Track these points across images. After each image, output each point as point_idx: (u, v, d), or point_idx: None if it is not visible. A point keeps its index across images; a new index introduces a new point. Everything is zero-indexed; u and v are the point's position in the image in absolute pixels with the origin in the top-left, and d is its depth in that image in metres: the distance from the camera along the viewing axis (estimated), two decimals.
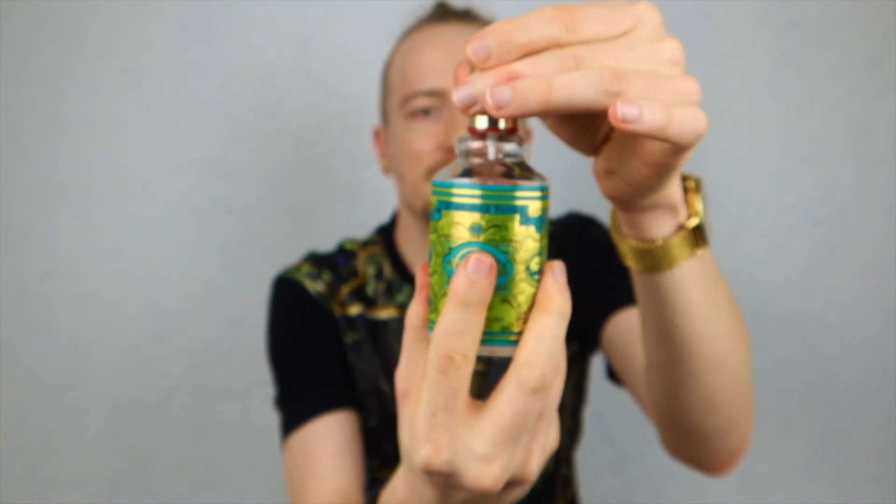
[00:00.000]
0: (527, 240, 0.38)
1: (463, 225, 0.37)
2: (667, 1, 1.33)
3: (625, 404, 1.24)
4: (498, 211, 0.37)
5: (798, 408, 1.25)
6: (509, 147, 0.39)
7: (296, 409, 0.83)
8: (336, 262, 0.93)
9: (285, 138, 1.18)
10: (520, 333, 0.38)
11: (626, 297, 0.80)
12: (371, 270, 0.92)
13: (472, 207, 0.37)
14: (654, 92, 0.36)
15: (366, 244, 0.95)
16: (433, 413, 0.37)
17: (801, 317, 1.24)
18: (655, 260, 0.51)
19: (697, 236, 0.51)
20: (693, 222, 0.51)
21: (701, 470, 0.69)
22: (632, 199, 0.47)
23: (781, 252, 1.23)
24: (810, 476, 1.26)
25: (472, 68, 0.37)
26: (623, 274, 0.83)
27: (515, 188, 0.37)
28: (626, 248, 0.53)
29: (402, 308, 0.90)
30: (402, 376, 0.40)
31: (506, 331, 0.38)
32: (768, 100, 1.21)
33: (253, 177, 1.18)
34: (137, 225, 1.16)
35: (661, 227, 0.50)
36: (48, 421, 1.16)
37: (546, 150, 1.21)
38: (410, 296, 0.90)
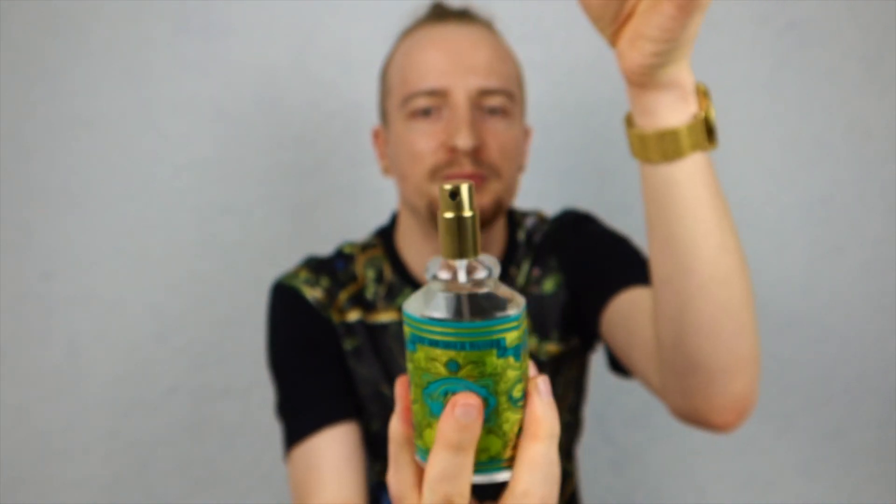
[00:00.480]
0: (506, 371, 0.37)
1: (439, 361, 0.37)
2: None
3: (625, 404, 1.24)
4: (473, 348, 0.36)
5: (798, 408, 1.25)
6: (481, 274, 0.38)
7: (297, 421, 0.84)
8: (334, 267, 0.93)
9: (285, 138, 1.18)
10: (510, 459, 0.38)
11: (625, 279, 0.80)
12: (371, 274, 0.92)
13: (447, 345, 0.36)
14: None
15: (365, 247, 0.95)
16: None
17: (802, 316, 1.24)
18: (668, 147, 0.55)
19: (708, 132, 0.55)
20: (702, 115, 0.55)
21: (709, 423, 0.66)
22: (653, 70, 0.52)
23: (781, 252, 1.23)
24: (810, 476, 1.26)
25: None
26: (620, 259, 0.83)
27: (490, 323, 0.36)
28: (641, 138, 0.56)
29: None
30: (392, 482, 0.40)
31: (494, 460, 0.38)
32: (768, 100, 1.21)
33: (253, 177, 1.18)
34: (137, 225, 1.16)
35: (674, 113, 0.54)
36: (48, 421, 1.16)
37: (546, 150, 1.21)
38: None
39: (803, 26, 1.20)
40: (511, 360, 0.37)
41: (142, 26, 1.14)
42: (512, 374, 0.37)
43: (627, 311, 0.78)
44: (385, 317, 0.90)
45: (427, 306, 0.37)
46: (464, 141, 0.79)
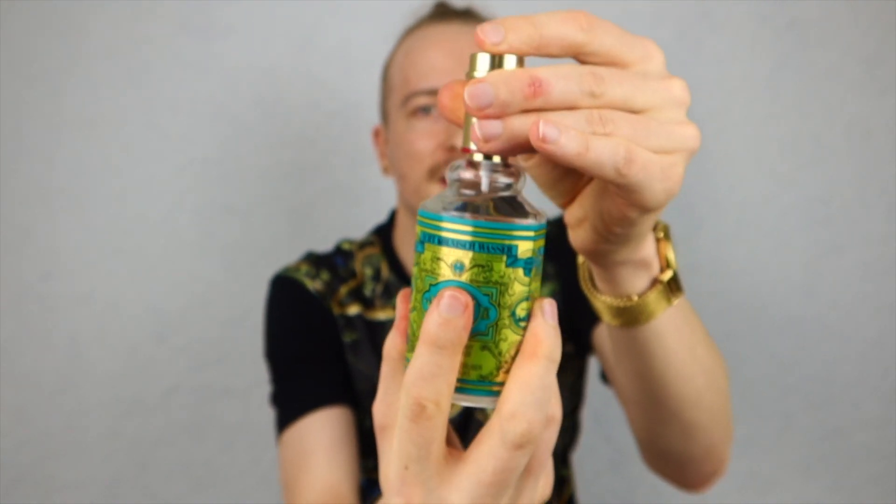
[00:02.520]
0: (513, 283, 0.35)
1: (445, 261, 0.34)
2: (667, 1, 1.33)
3: None
4: (482, 249, 0.34)
5: (798, 408, 1.25)
6: (505, 180, 0.36)
7: (291, 404, 0.83)
8: (334, 263, 0.93)
9: (285, 138, 1.18)
10: (501, 384, 0.35)
11: None
12: (368, 271, 0.92)
13: (455, 243, 0.34)
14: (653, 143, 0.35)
15: (363, 245, 0.95)
16: (405, 465, 0.34)
17: (801, 317, 1.24)
18: (633, 316, 0.50)
19: (672, 287, 0.50)
20: (667, 275, 0.50)
21: (680, 488, 0.71)
22: (603, 253, 0.46)
23: (781, 252, 1.23)
24: (810, 476, 1.26)
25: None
26: None
27: (504, 226, 0.34)
28: (601, 305, 0.51)
29: None
30: (378, 409, 0.37)
31: (484, 380, 0.35)
32: (768, 100, 1.21)
33: (253, 177, 1.18)
34: (137, 225, 1.16)
35: (635, 282, 0.49)
36: (48, 421, 1.16)
37: None
38: None
39: (803, 26, 1.20)
40: (520, 272, 0.35)
41: (142, 26, 1.14)
42: (519, 288, 0.35)
43: None
44: (383, 314, 0.90)
45: (442, 202, 0.35)
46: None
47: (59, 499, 1.17)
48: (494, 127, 0.33)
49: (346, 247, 0.95)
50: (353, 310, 0.90)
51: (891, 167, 1.22)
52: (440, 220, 0.35)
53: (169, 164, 1.16)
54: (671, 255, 0.50)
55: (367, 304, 0.91)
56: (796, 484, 1.26)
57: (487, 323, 0.35)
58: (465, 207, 0.35)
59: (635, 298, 0.49)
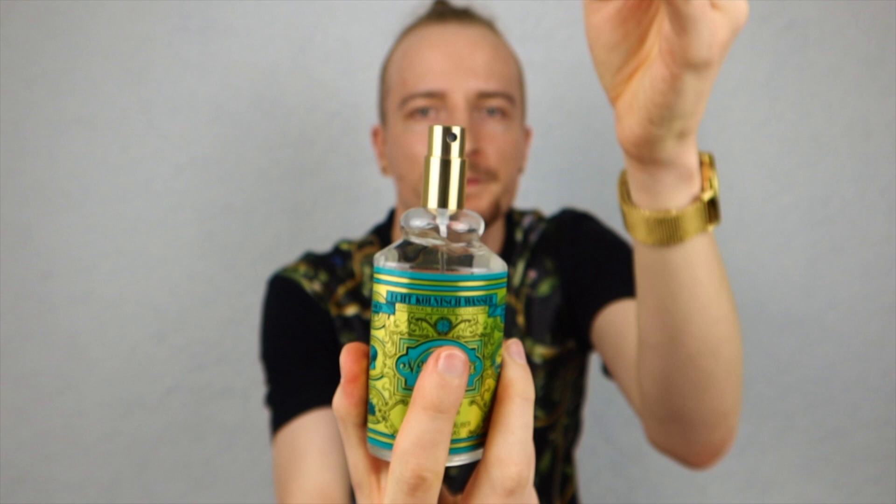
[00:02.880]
0: (494, 332, 0.34)
1: (427, 321, 0.32)
2: None
3: (625, 404, 1.24)
4: (468, 304, 0.32)
5: (798, 408, 1.25)
6: (464, 225, 0.34)
7: (284, 405, 0.83)
8: (333, 263, 0.93)
9: (285, 138, 1.18)
10: (485, 435, 0.34)
11: (617, 290, 0.80)
12: (368, 271, 0.92)
13: (439, 301, 0.32)
14: None
15: (362, 245, 0.95)
16: None
17: (801, 317, 1.24)
18: (667, 232, 0.50)
19: (711, 212, 0.50)
20: (708, 195, 0.50)
21: (685, 462, 0.68)
22: (651, 141, 0.46)
23: (781, 252, 1.23)
24: (810, 476, 1.26)
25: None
26: (615, 268, 0.83)
27: (486, 276, 0.33)
28: (638, 218, 0.51)
29: None
30: (349, 466, 0.36)
31: (473, 435, 0.34)
32: (768, 100, 1.21)
33: (253, 177, 1.18)
34: (137, 225, 1.16)
35: (675, 195, 0.49)
36: (48, 421, 1.16)
37: (546, 150, 1.21)
38: None
39: (803, 26, 1.20)
40: (498, 319, 0.34)
41: (141, 26, 1.14)
42: (497, 336, 0.34)
43: (615, 325, 0.78)
44: None
45: (415, 259, 0.33)
46: None
47: (59, 499, 1.17)
48: None
49: (344, 247, 0.95)
50: (351, 310, 0.90)
51: (891, 167, 1.22)
52: (418, 278, 0.32)
53: (169, 164, 1.16)
54: (714, 179, 0.50)
55: (366, 304, 0.91)
56: (796, 484, 1.26)
57: (474, 377, 0.33)
58: (446, 262, 0.33)
59: (673, 212, 0.49)
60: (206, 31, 1.15)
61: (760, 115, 1.21)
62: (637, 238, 0.52)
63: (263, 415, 1.20)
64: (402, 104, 0.84)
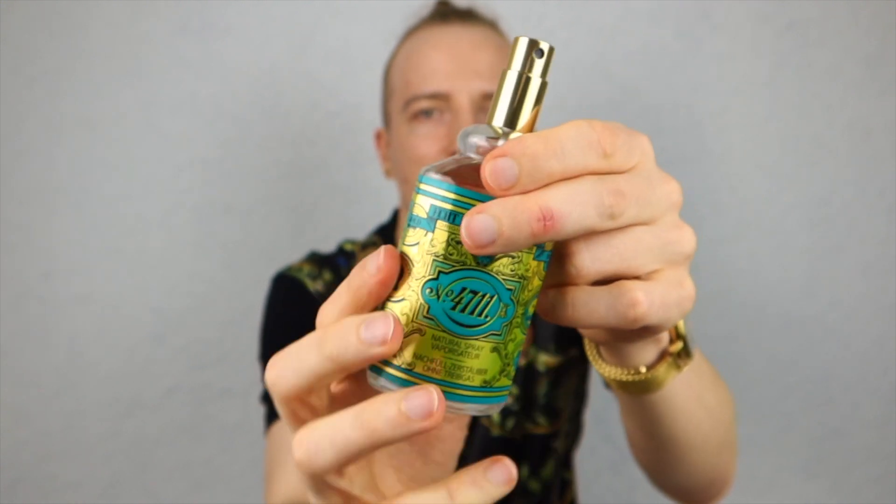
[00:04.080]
0: (534, 278, 0.31)
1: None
2: (667, 1, 1.33)
3: None
4: None
5: (798, 408, 1.25)
6: None
7: None
8: (337, 263, 0.93)
9: (285, 138, 1.18)
10: (501, 388, 0.31)
11: None
12: None
13: None
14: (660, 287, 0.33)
15: (365, 245, 0.95)
16: None
17: (802, 317, 1.24)
18: (641, 387, 0.49)
19: (682, 355, 0.48)
20: (677, 347, 0.47)
21: None
22: (612, 341, 0.44)
23: (781, 252, 1.23)
24: (810, 476, 1.26)
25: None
26: None
27: None
28: (608, 375, 0.49)
29: None
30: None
31: (487, 385, 0.31)
32: (768, 100, 1.21)
33: (253, 177, 1.18)
34: (137, 225, 1.16)
35: (644, 355, 0.47)
36: (48, 421, 1.16)
37: None
38: None
39: (803, 26, 1.20)
40: (542, 266, 0.31)
41: (141, 26, 1.14)
42: (536, 284, 0.31)
43: None
44: None
45: (468, 177, 0.29)
46: None
47: (59, 499, 1.17)
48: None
49: (348, 247, 0.95)
50: None
51: (891, 167, 1.22)
52: (468, 195, 0.28)
53: (168, 164, 1.16)
54: (681, 325, 0.47)
55: None
56: (796, 484, 1.26)
57: (503, 321, 0.30)
58: None
59: (643, 371, 0.47)
60: (206, 31, 1.15)
61: (760, 115, 1.21)
62: (612, 388, 0.51)
63: (262, 414, 1.20)
64: (405, 106, 0.84)
